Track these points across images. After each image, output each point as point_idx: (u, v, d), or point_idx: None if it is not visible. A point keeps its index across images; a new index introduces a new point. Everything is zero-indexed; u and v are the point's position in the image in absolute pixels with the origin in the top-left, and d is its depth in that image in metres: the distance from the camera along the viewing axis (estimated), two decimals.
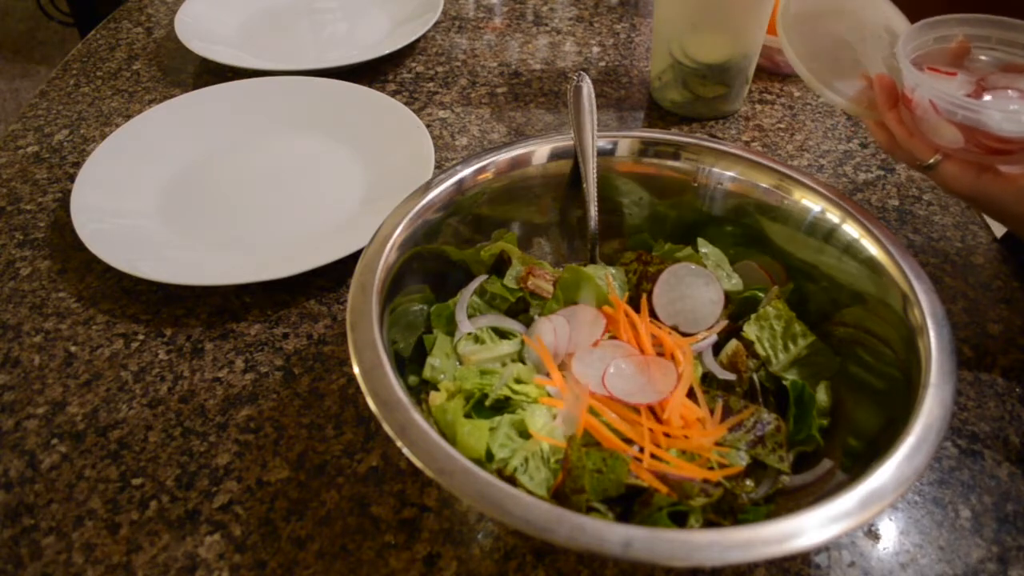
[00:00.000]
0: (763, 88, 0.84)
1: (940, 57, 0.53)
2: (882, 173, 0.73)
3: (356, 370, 0.41)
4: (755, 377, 0.50)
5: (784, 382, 0.49)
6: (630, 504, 0.42)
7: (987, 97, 0.51)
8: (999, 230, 0.69)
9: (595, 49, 0.92)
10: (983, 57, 0.54)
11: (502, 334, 0.52)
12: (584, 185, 0.56)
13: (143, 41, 0.94)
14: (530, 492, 0.41)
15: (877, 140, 0.56)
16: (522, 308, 0.54)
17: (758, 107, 0.82)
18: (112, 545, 0.45)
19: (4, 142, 0.77)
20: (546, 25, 0.97)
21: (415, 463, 0.37)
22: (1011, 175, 0.50)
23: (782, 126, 0.79)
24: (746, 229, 0.55)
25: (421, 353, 0.50)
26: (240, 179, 0.72)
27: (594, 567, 0.44)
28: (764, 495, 0.44)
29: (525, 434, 0.45)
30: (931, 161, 0.52)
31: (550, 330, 0.50)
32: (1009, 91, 0.50)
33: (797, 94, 0.84)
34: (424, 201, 0.51)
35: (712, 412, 0.46)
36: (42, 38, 2.62)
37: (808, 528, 0.34)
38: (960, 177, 0.51)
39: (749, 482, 0.44)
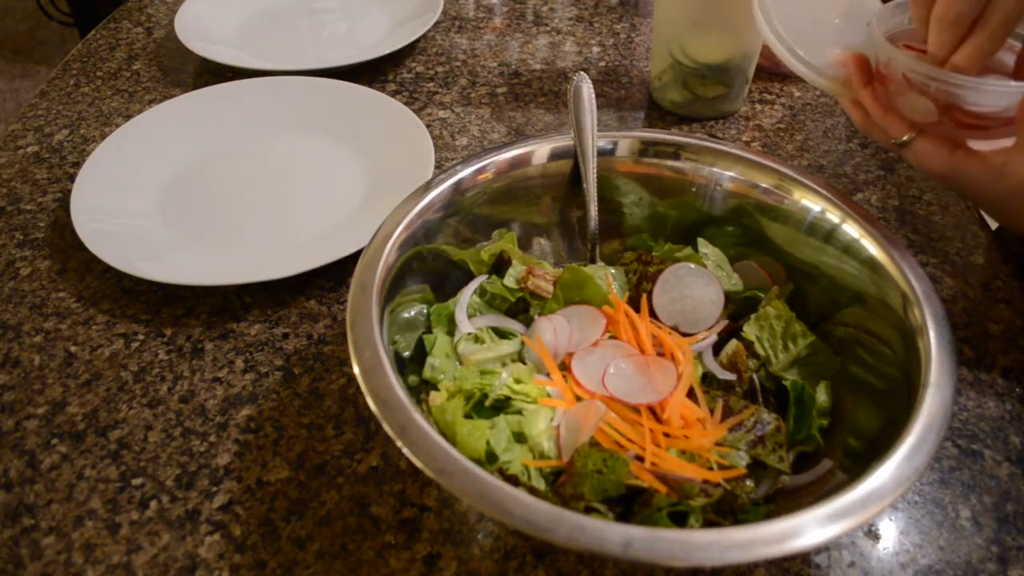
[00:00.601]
0: (763, 88, 0.84)
1: (915, 36, 0.54)
2: (882, 173, 0.73)
3: (356, 370, 0.41)
4: (755, 377, 0.50)
5: (784, 382, 0.49)
6: (630, 504, 0.42)
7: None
8: (994, 225, 0.69)
9: (595, 49, 0.92)
10: None
11: (502, 334, 0.52)
12: (584, 185, 0.56)
13: (143, 41, 0.94)
14: (531, 488, 0.41)
15: (852, 118, 0.56)
16: (522, 308, 0.54)
17: (758, 107, 0.82)
18: (112, 545, 0.45)
19: (4, 142, 0.77)
20: (546, 25, 0.97)
21: (415, 463, 0.37)
22: (984, 152, 0.50)
23: (782, 126, 0.79)
24: (746, 229, 0.55)
25: (421, 353, 0.50)
26: (240, 179, 0.72)
27: (594, 567, 0.44)
28: (764, 495, 0.44)
29: (521, 437, 0.45)
30: (905, 138, 0.52)
31: (550, 330, 0.50)
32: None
33: (797, 94, 0.84)
34: (424, 201, 0.51)
35: (712, 412, 0.46)
36: (42, 38, 2.62)
37: (808, 528, 0.34)
38: (934, 154, 0.51)
39: (749, 482, 0.44)
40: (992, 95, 0.48)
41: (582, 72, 0.62)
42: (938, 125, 0.51)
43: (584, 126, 0.57)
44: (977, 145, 0.51)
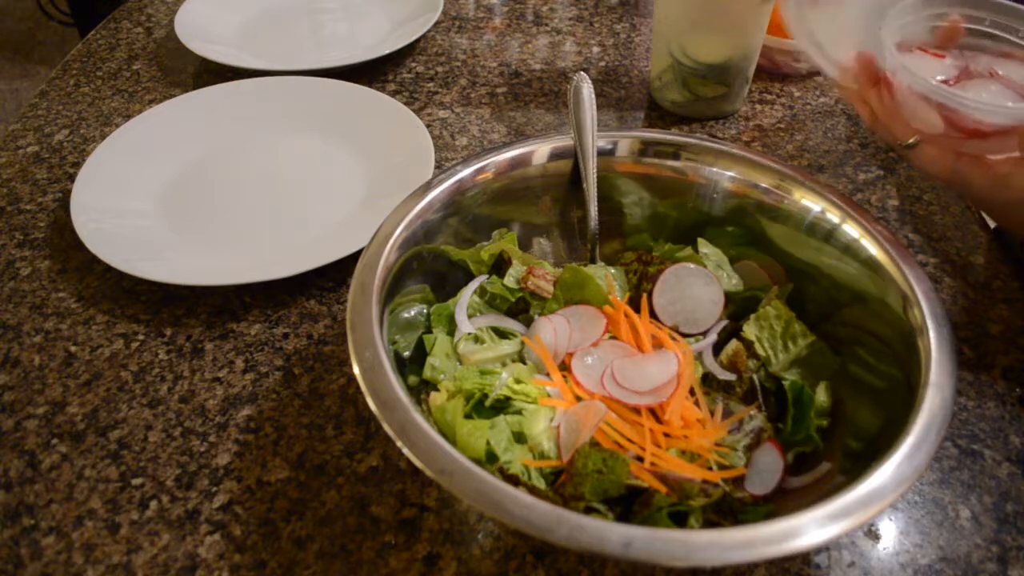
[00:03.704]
0: (763, 88, 0.84)
1: (932, 37, 0.53)
2: (882, 173, 0.73)
3: (356, 370, 0.41)
4: (755, 377, 0.50)
5: (784, 382, 0.49)
6: (630, 504, 0.42)
7: (969, 82, 0.51)
8: (994, 225, 0.69)
9: (595, 49, 0.92)
10: (975, 39, 0.53)
11: (502, 334, 0.52)
12: (584, 185, 0.56)
13: (143, 41, 0.94)
14: (531, 488, 0.41)
15: (859, 114, 0.56)
16: (522, 308, 0.54)
17: (758, 107, 0.82)
18: (112, 545, 0.45)
19: (4, 142, 0.77)
20: (546, 25, 0.97)
21: (415, 463, 0.37)
22: (990, 160, 0.50)
23: (782, 126, 0.79)
24: (746, 229, 0.55)
25: (421, 353, 0.50)
26: (240, 179, 0.72)
27: (594, 567, 0.44)
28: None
29: (521, 437, 0.45)
30: (911, 141, 0.52)
31: (550, 330, 0.50)
32: (992, 81, 0.50)
33: (797, 94, 0.84)
34: (424, 201, 0.51)
35: (712, 413, 0.46)
36: (42, 38, 2.62)
37: (808, 528, 0.34)
38: (938, 160, 0.52)
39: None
40: (996, 115, 0.48)
41: (582, 72, 0.62)
42: (942, 134, 0.51)
43: (584, 126, 0.57)
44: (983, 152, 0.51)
